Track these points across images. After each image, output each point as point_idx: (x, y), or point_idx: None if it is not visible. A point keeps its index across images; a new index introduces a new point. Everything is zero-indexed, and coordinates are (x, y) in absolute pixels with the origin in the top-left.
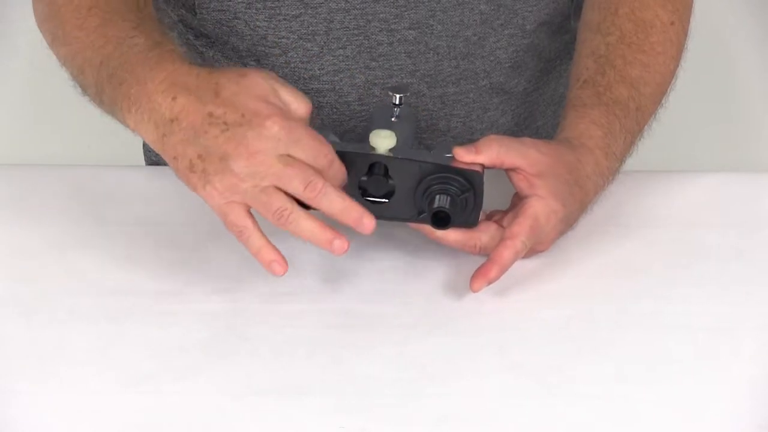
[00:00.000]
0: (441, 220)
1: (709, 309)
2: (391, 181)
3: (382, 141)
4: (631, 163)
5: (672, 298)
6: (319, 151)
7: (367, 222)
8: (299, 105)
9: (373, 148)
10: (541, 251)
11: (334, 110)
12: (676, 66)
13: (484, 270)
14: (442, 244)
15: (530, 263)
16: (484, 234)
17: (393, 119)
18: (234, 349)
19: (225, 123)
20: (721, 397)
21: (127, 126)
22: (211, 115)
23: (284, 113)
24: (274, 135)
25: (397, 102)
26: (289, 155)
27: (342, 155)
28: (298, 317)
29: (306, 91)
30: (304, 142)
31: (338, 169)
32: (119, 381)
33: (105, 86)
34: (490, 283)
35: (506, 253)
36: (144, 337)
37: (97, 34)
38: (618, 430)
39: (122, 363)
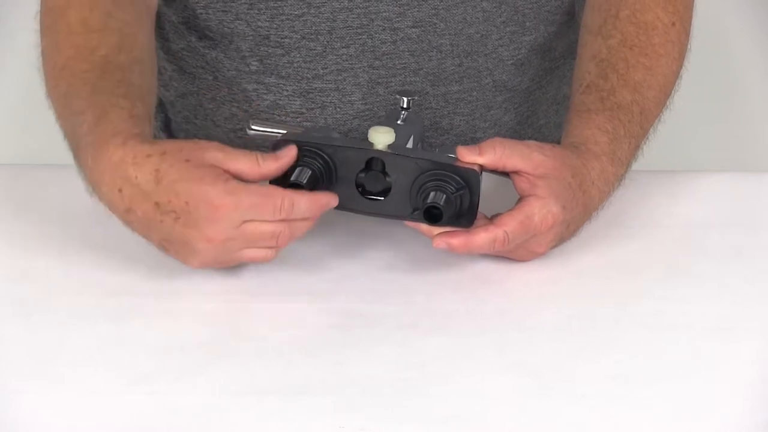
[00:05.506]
0: (433, 216)
1: (709, 309)
2: (388, 179)
3: (381, 136)
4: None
5: (672, 298)
6: (274, 207)
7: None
8: (251, 169)
9: (372, 144)
10: (539, 254)
11: (338, 109)
12: (679, 67)
13: (453, 233)
14: (448, 250)
15: (531, 263)
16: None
17: (399, 122)
18: (234, 349)
19: (174, 211)
20: (721, 397)
21: None
22: (158, 205)
23: (229, 189)
24: (225, 216)
25: (405, 105)
26: (246, 222)
27: (340, 150)
28: (298, 317)
29: (309, 91)
30: (257, 207)
31: (304, 207)
32: (119, 381)
33: (75, 163)
34: (448, 247)
35: (482, 234)
36: (144, 337)
37: (62, 104)
38: (618, 430)
39: (122, 363)
